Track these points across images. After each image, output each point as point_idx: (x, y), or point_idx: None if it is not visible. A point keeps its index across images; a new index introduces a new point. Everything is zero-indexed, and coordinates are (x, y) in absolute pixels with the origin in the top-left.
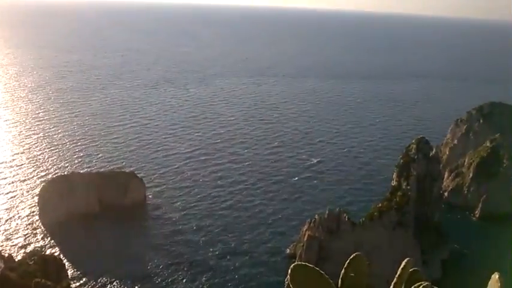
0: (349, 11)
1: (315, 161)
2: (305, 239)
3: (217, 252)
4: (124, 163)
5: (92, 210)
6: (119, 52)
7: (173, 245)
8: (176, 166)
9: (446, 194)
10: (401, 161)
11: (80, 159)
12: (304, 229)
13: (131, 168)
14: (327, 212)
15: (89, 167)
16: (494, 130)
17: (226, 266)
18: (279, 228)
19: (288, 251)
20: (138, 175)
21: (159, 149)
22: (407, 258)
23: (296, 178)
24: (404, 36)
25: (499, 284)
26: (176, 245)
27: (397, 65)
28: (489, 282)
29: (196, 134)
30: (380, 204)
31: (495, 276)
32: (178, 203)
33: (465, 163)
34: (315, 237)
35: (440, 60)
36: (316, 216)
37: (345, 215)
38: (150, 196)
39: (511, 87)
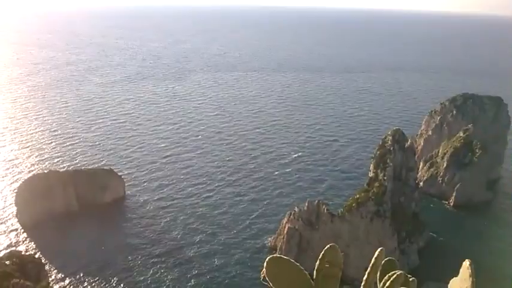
0: (329, 7)
1: (295, 155)
2: (285, 231)
3: (198, 248)
4: (103, 160)
5: (71, 208)
6: (96, 48)
7: (154, 242)
8: (156, 162)
9: (421, 183)
10: (378, 152)
11: (57, 157)
12: (284, 221)
13: (110, 166)
14: (306, 204)
15: (67, 165)
16: (467, 121)
17: (208, 261)
18: (260, 222)
19: (268, 243)
20: (117, 172)
21: (138, 145)
22: (380, 248)
23: (276, 172)
24: (382, 31)
25: (470, 271)
26: (157, 241)
27: (374, 58)
28: (461, 270)
29: (176, 129)
30: (358, 196)
31: (466, 263)
32: (158, 200)
33: (439, 153)
34: (295, 229)
35: (415, 53)
36: (296, 209)
37: (324, 206)
38: (129, 193)
39: (483, 79)
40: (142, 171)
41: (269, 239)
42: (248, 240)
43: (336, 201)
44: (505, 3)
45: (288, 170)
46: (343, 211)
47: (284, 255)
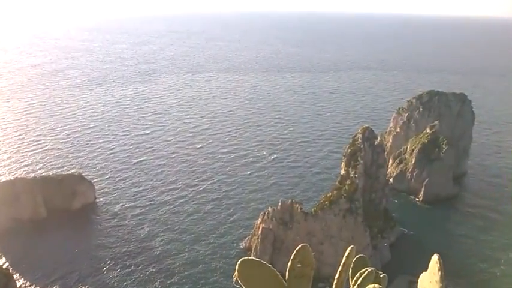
0: (300, 11)
1: (269, 156)
2: (259, 231)
3: (171, 251)
4: (72, 166)
5: (39, 215)
6: (62, 51)
7: (126, 247)
8: (127, 167)
9: (391, 180)
10: (348, 150)
11: (24, 164)
12: (258, 222)
13: (79, 171)
14: (279, 203)
15: (34, 171)
16: (433, 117)
17: (182, 265)
18: (234, 223)
19: (243, 244)
20: (87, 178)
21: (108, 150)
22: (351, 246)
23: (250, 174)
24: (352, 32)
25: (438, 265)
26: (129, 246)
27: (343, 58)
28: (430, 264)
29: (146, 133)
30: (330, 194)
31: (435, 257)
32: (130, 204)
33: (407, 150)
34: (269, 229)
35: (383, 52)
36: (270, 209)
37: (297, 205)
38: (100, 199)
39: (448, 76)
40: (113, 176)
41: (244, 240)
42: (223, 242)
43: (310, 199)
44: (478, 4)
45: (262, 171)
46: (316, 209)
47: (259, 256)
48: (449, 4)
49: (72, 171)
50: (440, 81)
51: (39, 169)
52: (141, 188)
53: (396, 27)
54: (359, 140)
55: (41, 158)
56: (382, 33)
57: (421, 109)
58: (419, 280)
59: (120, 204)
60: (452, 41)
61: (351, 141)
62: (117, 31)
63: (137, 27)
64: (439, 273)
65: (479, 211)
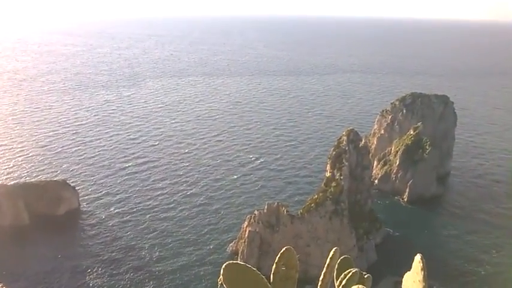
0: (285, 14)
1: (255, 160)
2: (246, 235)
3: (158, 257)
4: (56, 172)
5: (21, 222)
6: (44, 55)
7: (112, 254)
8: (112, 173)
9: (376, 181)
10: (334, 152)
11: (6, 171)
12: (245, 225)
13: (63, 177)
14: (266, 206)
15: (17, 177)
16: (416, 119)
17: (168, 270)
18: (221, 227)
19: (230, 248)
20: (70, 184)
21: (92, 156)
22: (335, 248)
23: (235, 176)
24: (336, 35)
25: (421, 265)
26: (115, 253)
27: (328, 61)
28: (413, 264)
29: (131, 138)
30: (316, 196)
31: (417, 257)
32: (115, 210)
33: (392, 151)
34: (256, 232)
35: (367, 55)
36: (256, 212)
37: (283, 208)
38: (84, 205)
39: (430, 78)
40: (98, 182)
41: (231, 244)
42: (210, 246)
43: (297, 202)
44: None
45: (249, 175)
46: (303, 212)
47: (245, 259)
48: (429, 7)
49: (56, 177)
50: (422, 83)
51: (22, 175)
52: (126, 194)
53: (379, 31)
54: (344, 142)
55: (23, 164)
56: (365, 36)
57: (404, 111)
58: (403, 280)
59: (105, 210)
60: (433, 44)
61: (336, 143)
62: (100, 35)
63: (120, 31)
64: (422, 272)
65: (463, 211)
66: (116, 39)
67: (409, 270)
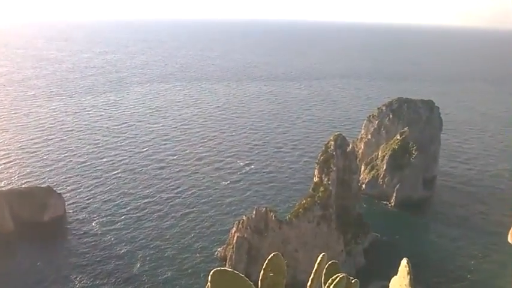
0: (265, 19)
1: (242, 164)
2: (234, 240)
3: (145, 264)
4: (41, 178)
5: (5, 229)
6: (29, 60)
7: (98, 261)
8: (97, 178)
9: (364, 186)
10: (321, 157)
11: None
12: (233, 231)
13: (49, 183)
14: (254, 212)
15: (1, 184)
16: (403, 124)
17: (156, 277)
18: (209, 233)
19: (218, 254)
20: (56, 190)
21: (77, 161)
22: (322, 253)
23: (223, 182)
24: (324, 40)
25: (408, 269)
26: (102, 260)
27: (315, 66)
28: (399, 268)
29: (117, 143)
30: (304, 201)
31: (404, 261)
32: (101, 217)
33: (379, 156)
34: (244, 238)
35: (355, 61)
36: (244, 217)
37: (271, 213)
38: (70, 211)
39: (416, 84)
40: (84, 188)
41: (219, 249)
42: (198, 253)
43: (286, 207)
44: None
45: (237, 180)
46: (291, 217)
47: (234, 265)
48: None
49: (41, 183)
50: (408, 88)
51: (6, 182)
52: (113, 201)
53: (364, 36)
54: (331, 147)
55: (7, 171)
56: (350, 42)
57: (391, 116)
58: (390, 284)
59: (91, 217)
60: (419, 49)
61: (323, 148)
62: (85, 40)
63: (105, 36)
64: (408, 276)
65: (450, 215)
66: (101, 44)
67: (396, 275)
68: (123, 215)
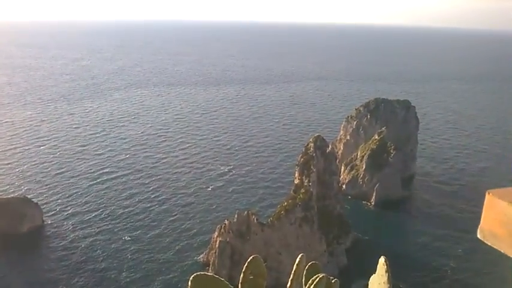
0: (238, 20)
1: (223, 168)
2: (217, 245)
3: (127, 274)
4: (17, 188)
5: None
6: (3, 68)
7: (78, 272)
8: (76, 187)
9: (344, 186)
10: (302, 159)
11: None
12: (215, 235)
13: (24, 193)
14: (236, 215)
15: None
16: (380, 124)
17: (139, 286)
18: (192, 239)
19: (201, 259)
20: (32, 200)
21: (55, 170)
22: (301, 254)
23: (205, 187)
24: (298, 43)
25: (385, 267)
26: (81, 270)
27: (293, 69)
28: (378, 266)
29: (95, 151)
30: (285, 203)
31: (381, 260)
32: (81, 226)
33: (358, 156)
34: (226, 242)
35: (331, 62)
36: (226, 221)
37: (253, 216)
38: (48, 222)
39: (393, 85)
40: (62, 197)
41: (201, 255)
42: (181, 258)
43: (268, 210)
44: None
45: (219, 184)
46: (273, 219)
47: (217, 270)
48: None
49: (17, 193)
50: (384, 88)
51: None
52: (92, 210)
53: (338, 37)
54: (311, 149)
55: None
56: (327, 43)
57: (368, 116)
58: (369, 283)
59: (71, 227)
60: (391, 50)
61: (303, 150)
62: (58, 46)
63: (78, 42)
64: (386, 274)
65: (429, 212)
66: (75, 50)
67: (375, 273)
68: (103, 224)
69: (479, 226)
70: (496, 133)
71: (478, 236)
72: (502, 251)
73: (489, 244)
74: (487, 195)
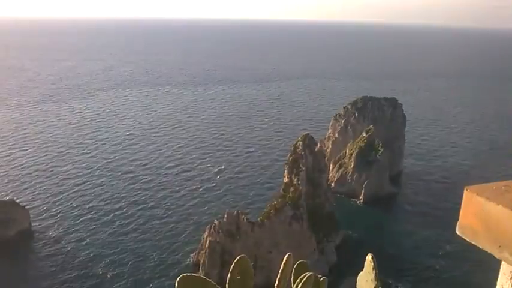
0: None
1: (213, 168)
2: (207, 245)
3: (116, 275)
4: (2, 191)
5: None
6: None
7: (66, 275)
8: (63, 189)
9: (333, 184)
10: (290, 158)
11: None
12: (205, 235)
13: (11, 196)
14: (225, 215)
15: None
16: (368, 121)
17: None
18: (181, 239)
19: (191, 260)
20: (19, 203)
21: (41, 172)
22: (288, 253)
23: (194, 187)
24: (285, 41)
25: (372, 264)
26: (70, 273)
27: (280, 67)
28: (365, 263)
29: (82, 152)
30: (275, 202)
31: (368, 257)
32: (69, 229)
33: (346, 154)
34: (216, 242)
35: (319, 61)
36: (216, 221)
37: (243, 216)
38: (36, 225)
39: (380, 82)
40: (50, 200)
41: (192, 255)
42: (171, 259)
43: (257, 209)
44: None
45: (208, 184)
46: (262, 218)
47: (207, 270)
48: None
49: (3, 197)
50: (371, 86)
51: None
52: (80, 211)
53: (326, 36)
54: (300, 147)
55: None
56: (313, 42)
57: (356, 114)
58: (357, 280)
59: (58, 229)
60: (375, 48)
61: (292, 149)
62: (36, 46)
63: (61, 41)
64: (374, 271)
65: (417, 208)
66: (53, 51)
67: (363, 270)
68: (91, 226)
69: (458, 222)
70: (481, 129)
71: (457, 232)
72: (480, 246)
73: (468, 240)
74: (465, 192)
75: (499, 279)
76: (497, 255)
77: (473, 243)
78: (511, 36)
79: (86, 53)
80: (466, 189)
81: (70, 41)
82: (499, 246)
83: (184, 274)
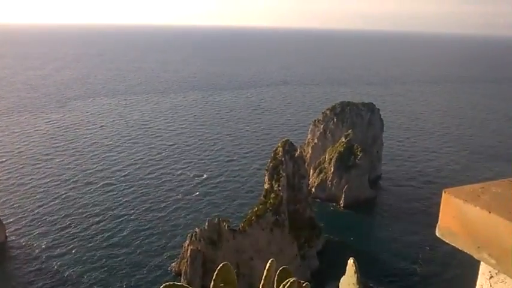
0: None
1: (195, 176)
2: (188, 254)
3: (97, 286)
4: None
5: None
6: None
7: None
8: (40, 201)
9: (313, 189)
10: (271, 164)
11: None
12: (186, 244)
13: None
14: (206, 223)
15: None
16: (347, 126)
17: None
18: (162, 248)
19: (172, 269)
20: None
21: (17, 184)
22: (271, 259)
23: (176, 195)
24: (264, 48)
25: (354, 268)
26: (49, 286)
27: (258, 74)
28: (347, 267)
29: (60, 162)
30: (256, 208)
31: (350, 261)
32: (47, 241)
33: (326, 159)
34: (198, 250)
35: (297, 68)
36: (197, 229)
37: (224, 223)
38: (12, 238)
39: (358, 88)
40: (27, 212)
41: (173, 264)
42: (151, 269)
43: (239, 216)
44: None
45: (188, 191)
46: (244, 225)
47: (189, 279)
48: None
49: None
50: (348, 91)
51: None
52: (58, 224)
53: (308, 43)
54: (280, 153)
55: None
56: (294, 48)
57: (335, 119)
58: (339, 284)
59: (36, 242)
60: (344, 54)
61: (272, 155)
62: (6, 54)
63: (34, 48)
64: (355, 275)
65: (396, 211)
66: (28, 59)
67: (344, 274)
68: (70, 238)
69: (437, 224)
70: (458, 133)
71: (437, 234)
72: (459, 247)
73: (447, 241)
74: (443, 194)
75: (478, 279)
76: (476, 256)
77: (452, 244)
78: (481, 42)
79: (61, 61)
80: (444, 192)
81: (43, 50)
82: (478, 247)
83: (168, 283)
